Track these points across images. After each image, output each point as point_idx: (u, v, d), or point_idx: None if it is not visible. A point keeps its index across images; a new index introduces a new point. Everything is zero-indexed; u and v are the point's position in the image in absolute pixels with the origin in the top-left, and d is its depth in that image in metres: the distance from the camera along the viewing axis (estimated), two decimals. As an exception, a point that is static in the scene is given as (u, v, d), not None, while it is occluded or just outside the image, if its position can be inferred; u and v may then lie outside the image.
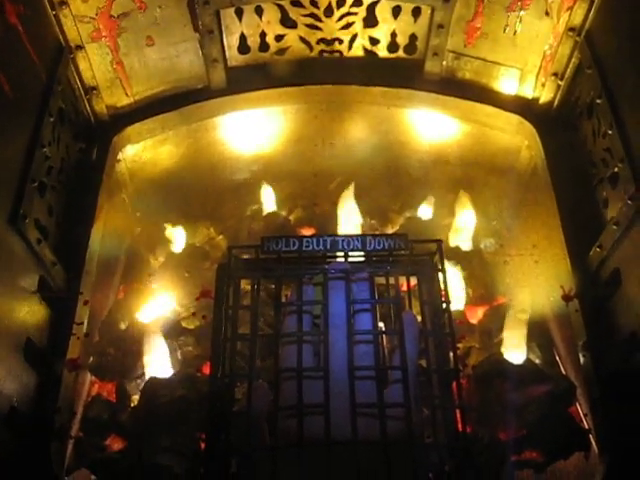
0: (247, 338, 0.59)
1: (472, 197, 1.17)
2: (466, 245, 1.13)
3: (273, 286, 0.63)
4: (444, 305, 0.62)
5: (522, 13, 1.02)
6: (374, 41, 1.14)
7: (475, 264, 1.07)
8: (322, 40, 1.14)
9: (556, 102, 1.08)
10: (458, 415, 0.55)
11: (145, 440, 0.83)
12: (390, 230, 1.18)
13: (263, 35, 1.13)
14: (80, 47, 1.01)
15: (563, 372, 0.94)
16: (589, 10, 0.95)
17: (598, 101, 0.92)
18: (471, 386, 0.90)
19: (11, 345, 0.77)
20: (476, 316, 1.02)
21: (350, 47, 1.15)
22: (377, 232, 1.16)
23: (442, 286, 0.63)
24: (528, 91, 1.11)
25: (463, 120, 1.18)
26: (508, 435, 0.83)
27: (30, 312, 0.82)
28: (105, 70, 1.06)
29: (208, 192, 1.25)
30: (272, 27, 1.12)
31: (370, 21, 1.11)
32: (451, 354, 0.58)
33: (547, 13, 1.00)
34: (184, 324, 1.01)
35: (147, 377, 0.91)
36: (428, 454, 0.52)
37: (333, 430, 0.47)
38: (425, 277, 0.65)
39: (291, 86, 1.16)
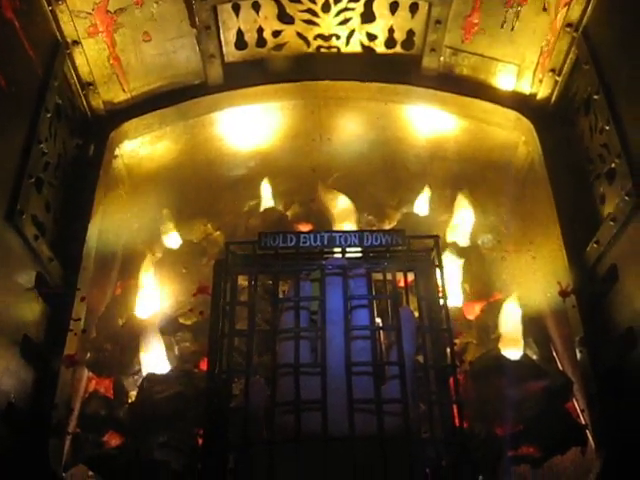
0: (244, 334, 0.59)
1: (469, 193, 1.17)
2: (463, 241, 1.13)
3: (270, 282, 0.63)
4: (441, 301, 0.62)
5: (520, 9, 1.01)
6: (371, 37, 1.14)
7: (472, 260, 1.07)
8: (319, 36, 1.14)
9: (553, 98, 1.08)
10: (455, 411, 0.55)
11: (142, 436, 0.83)
12: (387, 226, 1.18)
13: (260, 31, 1.12)
14: (77, 42, 1.00)
15: (560, 368, 0.94)
16: (587, 6, 0.95)
17: (595, 97, 0.92)
18: (468, 382, 0.90)
19: (8, 341, 0.77)
20: (473, 312, 1.02)
21: (347, 43, 1.15)
22: (374, 228, 1.16)
23: (439, 282, 0.63)
24: (525, 87, 1.11)
25: (460, 116, 1.17)
26: (505, 431, 0.84)
27: (27, 308, 0.82)
28: (102, 66, 1.05)
29: (205, 188, 1.25)
30: (269, 23, 1.11)
31: (367, 17, 1.11)
32: (448, 350, 0.58)
33: (545, 9, 1.00)
34: (181, 320, 1.01)
35: (144, 373, 0.91)
36: (425, 450, 0.52)
37: (330, 426, 0.47)
38: (422, 273, 0.65)
39: (288, 82, 1.16)
